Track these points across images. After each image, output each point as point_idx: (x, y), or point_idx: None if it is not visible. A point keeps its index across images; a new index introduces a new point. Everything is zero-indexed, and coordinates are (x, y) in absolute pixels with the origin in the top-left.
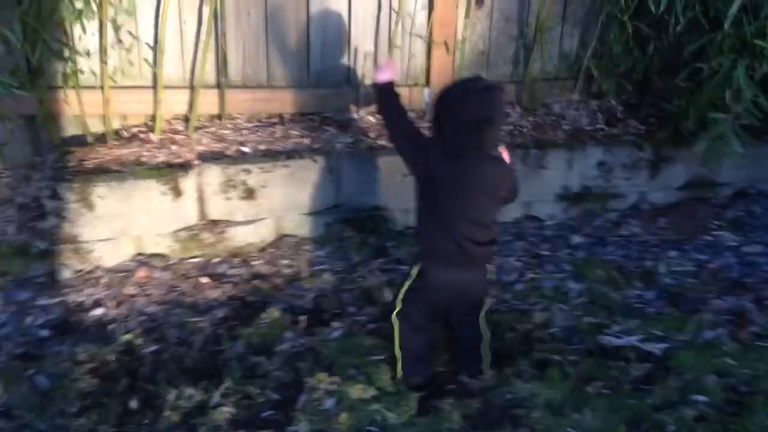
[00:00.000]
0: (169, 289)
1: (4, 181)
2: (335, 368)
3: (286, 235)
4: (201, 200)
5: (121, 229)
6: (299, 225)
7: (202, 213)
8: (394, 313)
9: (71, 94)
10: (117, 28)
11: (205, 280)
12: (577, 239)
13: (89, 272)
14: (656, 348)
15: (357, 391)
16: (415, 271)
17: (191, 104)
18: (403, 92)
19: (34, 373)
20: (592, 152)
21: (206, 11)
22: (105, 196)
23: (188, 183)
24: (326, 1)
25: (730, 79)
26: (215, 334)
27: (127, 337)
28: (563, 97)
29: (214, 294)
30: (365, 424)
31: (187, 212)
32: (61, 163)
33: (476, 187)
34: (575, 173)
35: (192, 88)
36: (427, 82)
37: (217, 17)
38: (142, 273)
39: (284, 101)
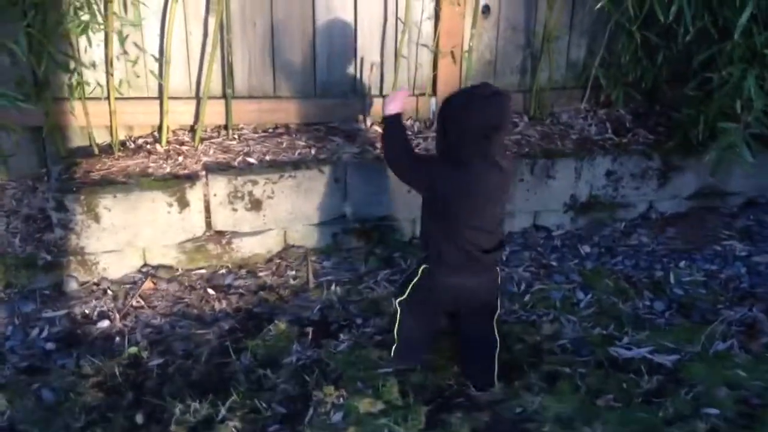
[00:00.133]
0: (175, 300)
1: (10, 193)
2: (342, 381)
3: (293, 246)
4: (207, 211)
5: (127, 241)
6: (306, 236)
7: (209, 224)
8: (400, 299)
9: (77, 106)
10: (123, 40)
11: (211, 291)
12: (585, 249)
13: (95, 284)
14: (667, 360)
15: (365, 405)
16: (421, 269)
17: (197, 115)
18: (409, 102)
19: (40, 387)
20: (601, 161)
21: (212, 22)
22: (111, 207)
23: (194, 194)
24: (332, 12)
25: (740, 88)
26: (221, 346)
27: (133, 349)
28: (571, 106)
29: (221, 306)
30: None
31: (193, 223)
32: (67, 175)
33: (480, 194)
34: (583, 183)
35: (198, 98)
36: (434, 92)
37: (223, 28)
38: (148, 285)
39: (290, 111)
